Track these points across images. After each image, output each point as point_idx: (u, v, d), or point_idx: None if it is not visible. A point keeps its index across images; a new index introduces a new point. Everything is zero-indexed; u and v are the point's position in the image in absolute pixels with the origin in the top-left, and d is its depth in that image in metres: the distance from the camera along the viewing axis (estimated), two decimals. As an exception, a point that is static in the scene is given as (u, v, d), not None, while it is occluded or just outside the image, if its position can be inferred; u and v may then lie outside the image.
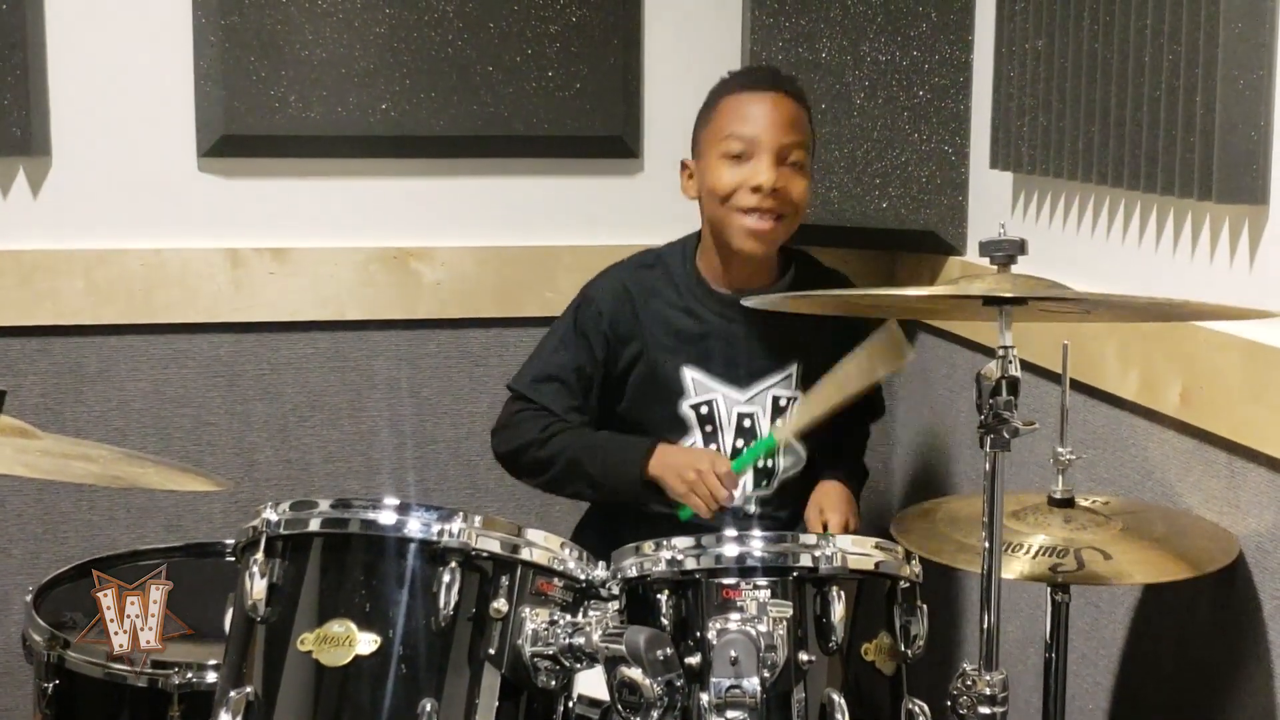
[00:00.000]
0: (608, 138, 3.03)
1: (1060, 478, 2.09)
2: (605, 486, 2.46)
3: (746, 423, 2.50)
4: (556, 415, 2.50)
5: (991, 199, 2.74)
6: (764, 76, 2.54)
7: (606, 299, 2.53)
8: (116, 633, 1.97)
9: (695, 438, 2.50)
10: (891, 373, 2.33)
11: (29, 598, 2.25)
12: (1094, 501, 2.15)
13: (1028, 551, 2.00)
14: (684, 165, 2.56)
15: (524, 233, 3.05)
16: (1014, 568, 1.96)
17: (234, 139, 2.89)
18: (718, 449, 2.49)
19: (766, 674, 1.68)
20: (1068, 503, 2.10)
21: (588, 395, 2.52)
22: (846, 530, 2.40)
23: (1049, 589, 2.07)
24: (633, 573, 1.85)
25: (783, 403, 2.51)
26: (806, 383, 2.49)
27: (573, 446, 2.48)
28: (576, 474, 2.48)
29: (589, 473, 2.46)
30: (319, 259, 2.96)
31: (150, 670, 2.04)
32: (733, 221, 2.44)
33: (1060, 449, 2.07)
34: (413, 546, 1.75)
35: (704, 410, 2.50)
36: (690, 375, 2.50)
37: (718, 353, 2.51)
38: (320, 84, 2.89)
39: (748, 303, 2.07)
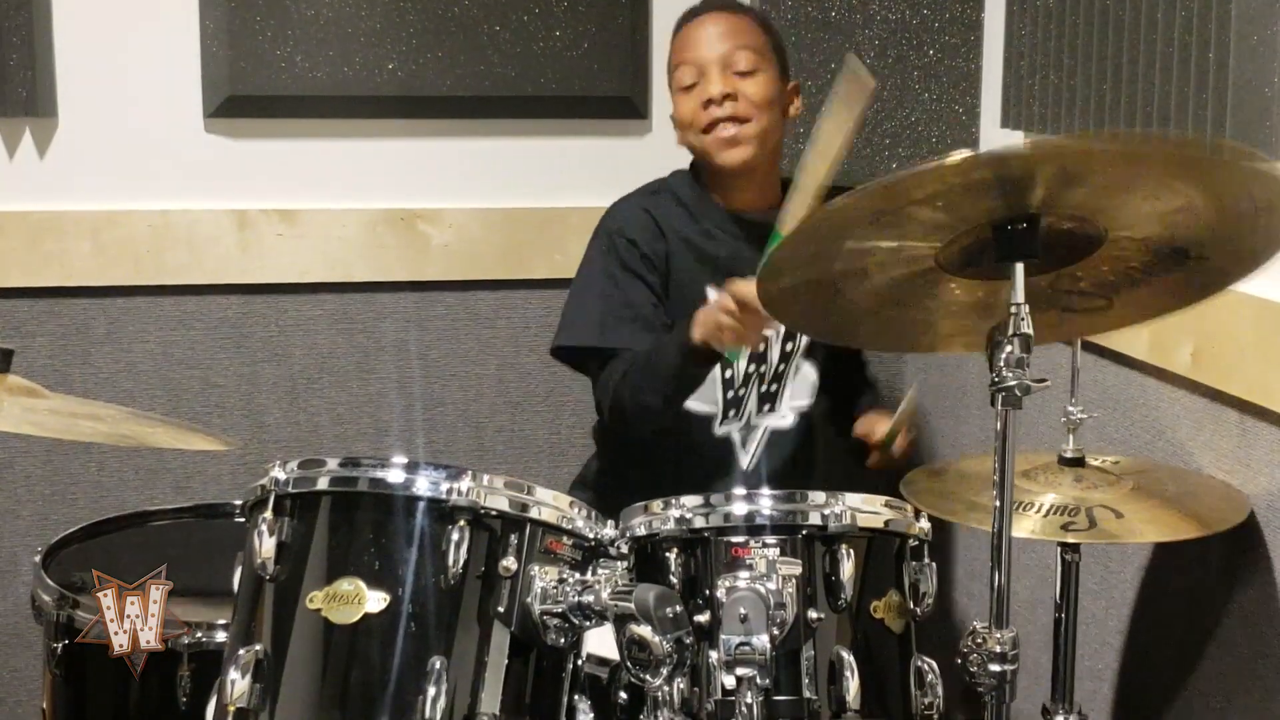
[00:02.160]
0: (616, 98, 3.02)
1: (1071, 437, 2.09)
2: (682, 384, 2.40)
3: (760, 345, 2.50)
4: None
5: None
6: (698, 6, 2.56)
7: (633, 226, 2.52)
8: (116, 633, 1.98)
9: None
10: (864, 107, 2.30)
11: (37, 558, 2.25)
12: (1104, 461, 2.14)
13: (1039, 510, 1.99)
14: (671, 117, 2.58)
15: (532, 194, 3.04)
16: (1024, 526, 1.96)
17: (240, 100, 2.88)
18: (732, 375, 2.51)
19: (776, 631, 1.67)
20: (1078, 462, 2.09)
21: (660, 328, 2.48)
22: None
23: (1059, 549, 2.07)
24: (641, 531, 1.85)
25: None
26: None
27: (636, 382, 2.41)
28: (654, 403, 2.41)
29: (662, 386, 2.40)
30: (326, 220, 2.96)
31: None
32: (705, 144, 2.48)
33: (1071, 408, 2.06)
34: (421, 505, 1.74)
35: None
36: (713, 295, 2.47)
37: (736, 271, 2.47)
38: (327, 44, 2.88)
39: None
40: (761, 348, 2.49)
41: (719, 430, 2.53)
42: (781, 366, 2.55)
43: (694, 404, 2.50)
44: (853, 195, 1.61)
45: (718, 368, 2.48)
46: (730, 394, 2.52)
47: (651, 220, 2.52)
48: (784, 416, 2.55)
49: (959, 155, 1.58)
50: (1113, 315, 1.89)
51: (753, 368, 2.52)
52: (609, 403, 2.47)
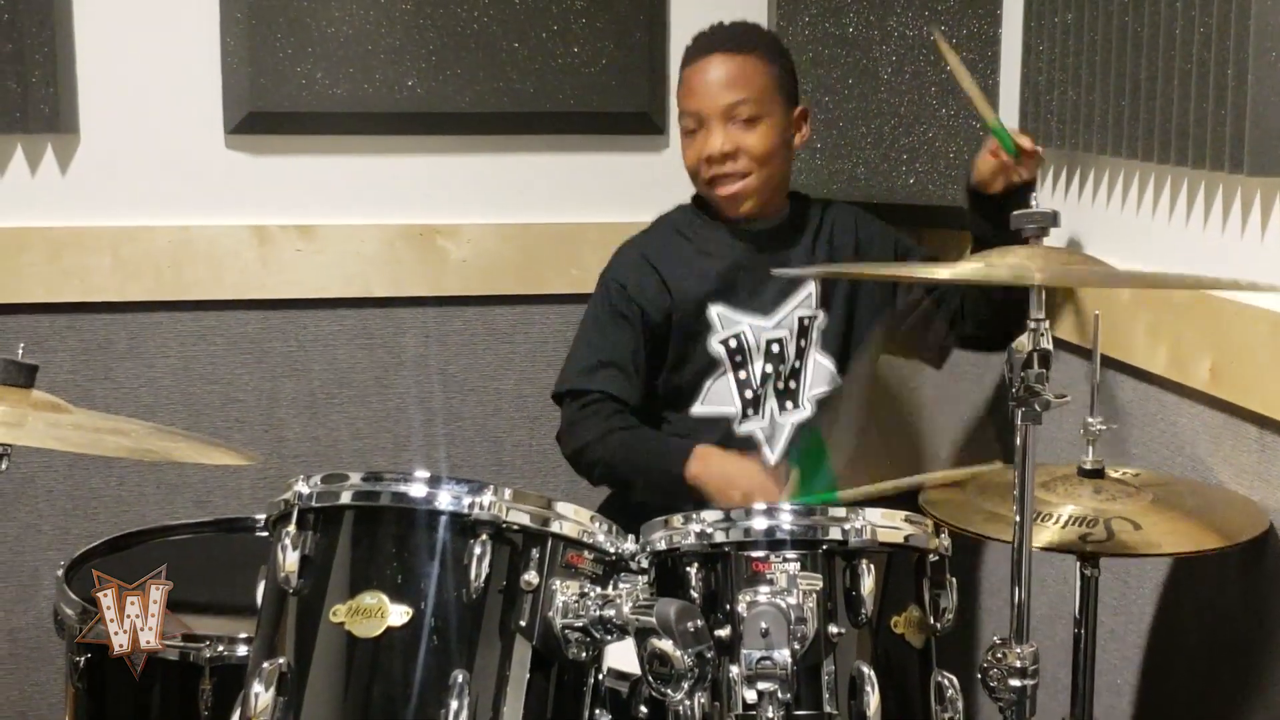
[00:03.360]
0: (634, 114, 3.03)
1: (1090, 449, 2.09)
2: (652, 488, 2.45)
3: (775, 348, 2.55)
4: (615, 404, 2.52)
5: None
6: (704, 41, 2.57)
7: (627, 273, 2.58)
8: (116, 633, 1.98)
9: (726, 371, 2.53)
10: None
11: (60, 573, 2.26)
12: (1124, 474, 2.15)
13: (1057, 521, 1.99)
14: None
15: (550, 210, 3.05)
16: (1043, 537, 1.96)
17: (261, 116, 2.89)
18: (747, 377, 2.54)
19: (796, 646, 1.68)
20: (1098, 473, 2.09)
21: (640, 373, 2.55)
22: None
23: (1078, 564, 2.07)
24: (662, 546, 1.86)
25: (806, 322, 2.56)
26: (826, 299, 2.56)
27: (619, 450, 2.50)
28: (625, 477, 2.51)
29: (634, 477, 2.49)
30: (345, 236, 2.97)
31: (181, 644, 2.06)
32: (708, 192, 2.55)
33: (1090, 419, 2.06)
34: (444, 519, 1.75)
35: (733, 344, 2.54)
36: (716, 311, 2.54)
37: (740, 284, 2.56)
38: (346, 61, 2.89)
39: (778, 272, 2.09)
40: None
41: (740, 429, 2.55)
42: (797, 363, 2.57)
43: (712, 408, 2.55)
44: None
45: (730, 373, 2.53)
46: (749, 394, 2.55)
47: (644, 260, 2.58)
48: (805, 410, 2.57)
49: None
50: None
51: (770, 368, 2.55)
52: (576, 446, 2.53)
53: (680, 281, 2.55)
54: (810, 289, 2.55)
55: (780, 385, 2.56)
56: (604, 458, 2.51)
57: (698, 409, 2.55)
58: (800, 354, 2.57)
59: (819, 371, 2.58)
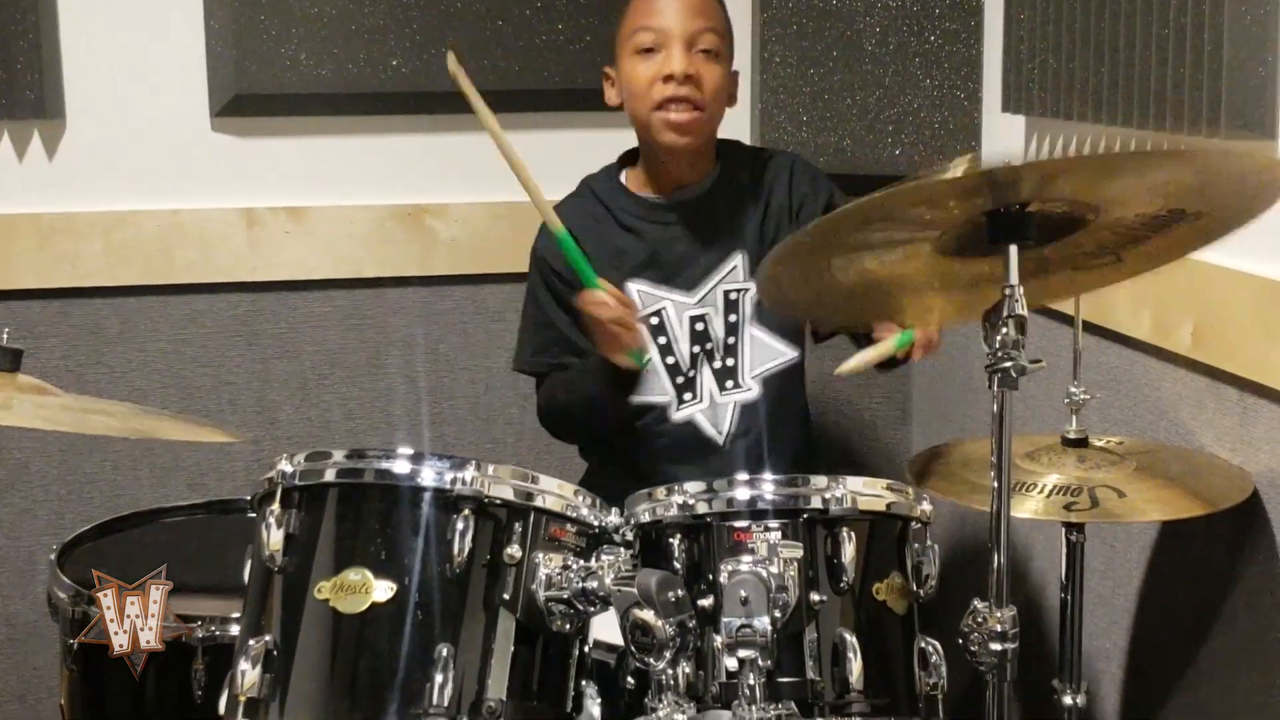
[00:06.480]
0: (619, 90, 3.03)
1: (1074, 418, 2.10)
2: (597, 400, 2.44)
3: (699, 326, 2.47)
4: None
5: (1005, 143, 2.73)
6: None
7: (550, 247, 2.47)
8: (116, 633, 2.00)
9: (652, 352, 2.44)
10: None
11: (53, 556, 2.27)
12: (1108, 442, 2.15)
13: (1041, 490, 2.00)
14: (605, 74, 2.54)
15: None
16: (1027, 506, 1.97)
17: (246, 98, 2.90)
18: (675, 361, 2.47)
19: (777, 614, 1.69)
20: (1081, 442, 2.10)
21: (583, 342, 2.48)
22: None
23: (1064, 529, 2.08)
24: (645, 518, 1.87)
25: (734, 296, 2.47)
26: (755, 270, 2.45)
27: (560, 390, 2.50)
28: (578, 411, 2.49)
29: (581, 405, 2.47)
30: (334, 217, 2.98)
31: (175, 625, 2.07)
32: (653, 119, 2.42)
33: (1073, 388, 2.07)
34: (427, 495, 1.76)
35: (654, 321, 2.46)
36: (635, 289, 2.47)
37: (660, 260, 2.48)
38: (331, 42, 2.89)
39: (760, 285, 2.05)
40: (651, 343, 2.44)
41: (678, 415, 2.47)
42: (731, 339, 2.48)
43: (645, 396, 2.47)
44: (842, 213, 1.66)
45: (657, 357, 2.46)
46: (680, 379, 2.47)
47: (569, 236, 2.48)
48: (749, 389, 2.48)
49: (940, 177, 1.61)
50: (1125, 268, 1.89)
51: (697, 348, 2.47)
52: (541, 415, 2.55)
53: (600, 257, 2.43)
54: (737, 260, 2.47)
55: (716, 364, 2.48)
56: (558, 405, 2.51)
57: (632, 396, 2.47)
58: (732, 330, 2.48)
59: (759, 347, 2.48)
